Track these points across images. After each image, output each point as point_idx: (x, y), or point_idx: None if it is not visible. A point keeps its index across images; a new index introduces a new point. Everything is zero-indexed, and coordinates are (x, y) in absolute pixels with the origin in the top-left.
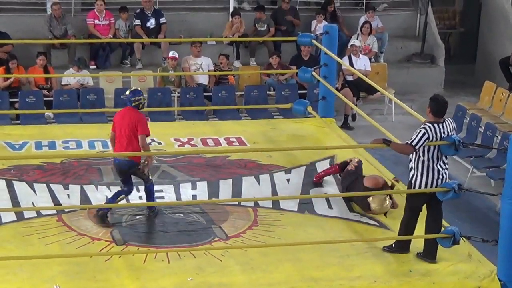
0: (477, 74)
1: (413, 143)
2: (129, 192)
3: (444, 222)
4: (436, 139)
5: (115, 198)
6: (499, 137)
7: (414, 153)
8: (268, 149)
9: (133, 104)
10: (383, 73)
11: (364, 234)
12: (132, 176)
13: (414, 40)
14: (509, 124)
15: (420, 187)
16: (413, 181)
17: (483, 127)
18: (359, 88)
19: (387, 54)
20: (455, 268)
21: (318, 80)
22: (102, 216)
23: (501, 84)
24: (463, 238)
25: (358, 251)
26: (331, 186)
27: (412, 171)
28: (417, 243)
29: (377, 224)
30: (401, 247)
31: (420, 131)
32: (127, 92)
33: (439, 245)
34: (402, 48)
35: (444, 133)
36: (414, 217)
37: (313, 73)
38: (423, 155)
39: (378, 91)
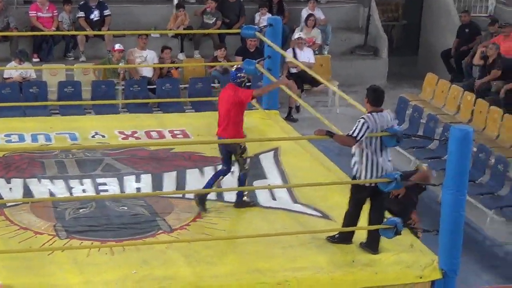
0: (420, 66)
1: (354, 134)
2: (227, 171)
3: (386, 213)
4: (376, 128)
5: (214, 179)
6: (441, 128)
7: (358, 146)
8: (212, 142)
9: (238, 80)
10: (327, 65)
11: (307, 225)
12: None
13: (357, 33)
14: (450, 116)
15: (364, 179)
16: (357, 175)
17: (425, 119)
18: (303, 80)
19: (330, 46)
20: (397, 258)
21: (262, 73)
22: (201, 201)
23: (443, 76)
24: (405, 229)
25: (302, 242)
26: (274, 178)
27: (356, 165)
28: (360, 235)
29: (321, 215)
30: (344, 238)
31: (360, 121)
32: (233, 68)
33: (381, 236)
34: (346, 41)
35: (383, 122)
36: (358, 209)
37: (257, 65)
38: (366, 148)
39: (322, 83)
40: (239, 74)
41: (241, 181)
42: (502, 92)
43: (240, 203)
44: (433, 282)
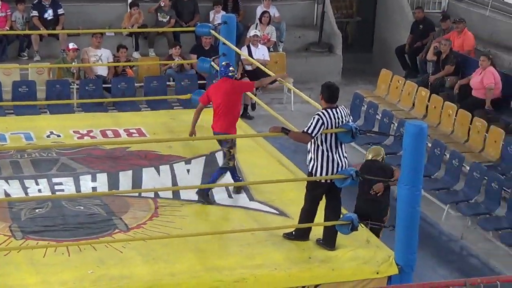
0: (374, 62)
1: (309, 131)
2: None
3: (343, 209)
4: (331, 124)
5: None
6: (396, 124)
7: (313, 143)
8: (168, 140)
9: (230, 74)
10: (282, 62)
11: (264, 222)
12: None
13: (312, 29)
14: (405, 111)
15: (320, 175)
16: (313, 172)
17: (380, 115)
18: (258, 77)
19: (285, 44)
20: (354, 254)
21: (217, 70)
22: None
23: (397, 72)
24: (361, 225)
25: (259, 240)
26: (230, 176)
27: (312, 161)
28: (317, 231)
29: (277, 212)
30: (301, 235)
31: (314, 118)
32: (224, 63)
33: (338, 232)
34: (300, 38)
35: (338, 118)
36: (314, 206)
37: (212, 63)
38: (322, 145)
39: (277, 80)
40: (230, 68)
41: (216, 174)
42: (456, 87)
43: (202, 194)
44: (389, 278)
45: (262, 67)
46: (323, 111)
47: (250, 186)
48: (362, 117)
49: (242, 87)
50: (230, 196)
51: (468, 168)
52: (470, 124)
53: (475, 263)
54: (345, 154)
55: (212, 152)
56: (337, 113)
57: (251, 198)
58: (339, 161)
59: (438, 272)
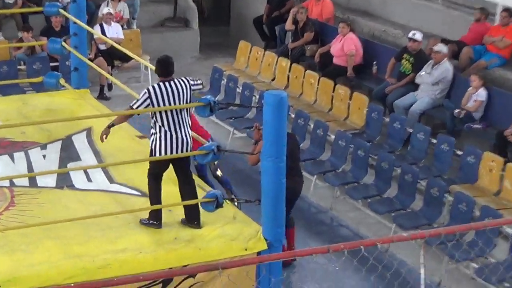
0: (233, 35)
1: (135, 106)
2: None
3: (207, 186)
4: (163, 99)
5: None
6: (257, 97)
7: (154, 121)
8: (20, 125)
9: None
10: (137, 40)
11: (126, 204)
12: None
13: (166, 4)
14: (266, 83)
15: (160, 152)
16: (152, 147)
17: (241, 88)
18: (113, 56)
19: (139, 20)
20: (220, 231)
21: (70, 51)
22: None
23: (257, 44)
24: (227, 201)
25: (121, 223)
26: (89, 158)
27: (152, 136)
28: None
29: (139, 193)
30: (155, 215)
31: (142, 92)
32: None
33: (201, 210)
34: (155, 13)
35: (173, 91)
36: (158, 182)
37: (63, 43)
38: (158, 121)
39: (133, 58)
40: None
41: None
42: (316, 56)
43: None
44: (259, 253)
45: (117, 45)
46: (154, 85)
47: (110, 168)
48: (222, 91)
49: None
50: (89, 180)
51: (333, 137)
52: (333, 92)
53: (345, 233)
54: (187, 129)
55: (68, 136)
56: (170, 86)
57: (112, 181)
58: (183, 137)
59: (309, 244)
